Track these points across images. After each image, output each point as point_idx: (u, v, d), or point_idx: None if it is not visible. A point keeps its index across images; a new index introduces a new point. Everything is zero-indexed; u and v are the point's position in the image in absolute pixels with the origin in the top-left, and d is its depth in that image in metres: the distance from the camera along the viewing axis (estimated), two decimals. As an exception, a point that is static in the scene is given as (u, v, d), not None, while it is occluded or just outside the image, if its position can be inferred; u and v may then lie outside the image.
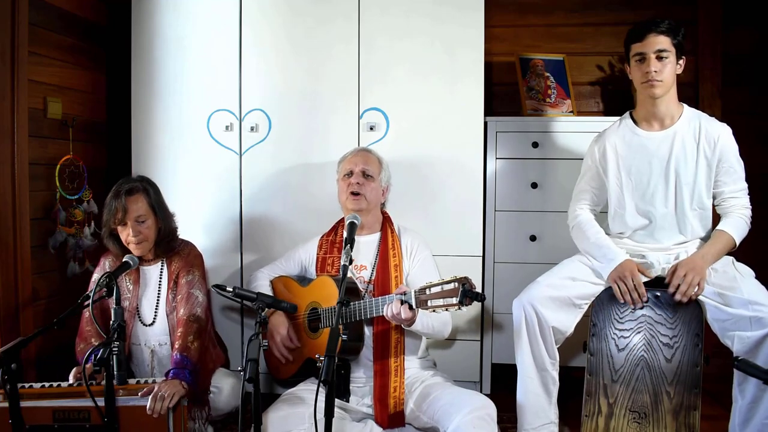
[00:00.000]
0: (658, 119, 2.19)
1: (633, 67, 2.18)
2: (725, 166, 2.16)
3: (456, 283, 1.83)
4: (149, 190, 2.30)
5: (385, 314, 2.00)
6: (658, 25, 2.10)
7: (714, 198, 2.21)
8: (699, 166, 2.15)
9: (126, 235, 2.25)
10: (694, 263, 2.08)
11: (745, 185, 2.20)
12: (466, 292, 1.80)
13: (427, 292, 1.90)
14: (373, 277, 2.27)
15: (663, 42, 2.10)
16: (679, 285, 2.07)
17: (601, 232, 2.25)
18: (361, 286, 2.27)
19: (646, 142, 2.19)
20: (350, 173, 2.33)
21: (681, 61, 2.15)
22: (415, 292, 1.93)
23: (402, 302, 1.94)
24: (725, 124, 2.18)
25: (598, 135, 2.32)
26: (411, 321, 2.00)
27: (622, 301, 2.15)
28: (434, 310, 1.89)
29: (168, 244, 2.34)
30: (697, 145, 2.15)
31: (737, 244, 2.16)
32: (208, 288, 2.38)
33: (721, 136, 2.14)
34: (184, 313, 2.25)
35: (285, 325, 2.26)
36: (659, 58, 2.10)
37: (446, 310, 1.86)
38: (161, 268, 2.36)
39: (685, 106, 2.21)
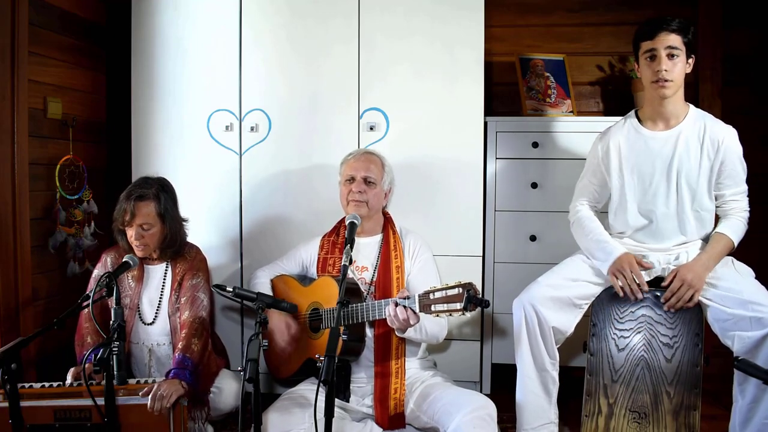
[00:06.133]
0: (664, 119, 2.18)
1: (642, 66, 2.15)
2: (728, 168, 2.15)
3: (460, 289, 1.84)
4: (161, 197, 2.28)
5: (386, 315, 2.00)
6: (669, 23, 2.08)
7: (715, 199, 2.21)
8: (702, 167, 2.14)
9: (130, 236, 2.26)
10: (693, 273, 2.08)
11: (746, 188, 2.21)
12: (471, 298, 1.81)
13: (431, 296, 1.90)
14: (374, 279, 2.27)
15: (674, 40, 2.08)
16: (671, 296, 2.10)
17: (601, 227, 2.25)
18: (362, 288, 2.27)
19: (650, 142, 2.18)
20: (352, 179, 2.31)
21: (690, 60, 2.14)
22: (419, 296, 1.93)
23: (404, 307, 1.94)
24: (731, 127, 2.17)
25: (603, 133, 2.30)
26: (412, 323, 2.00)
27: (621, 295, 2.14)
28: (438, 315, 1.89)
29: (174, 250, 2.34)
30: (701, 146, 2.14)
31: (735, 246, 2.18)
32: (212, 292, 2.38)
33: (725, 138, 2.13)
34: (189, 316, 2.26)
35: (286, 323, 2.24)
36: (670, 56, 2.08)
37: (450, 315, 1.86)
38: (165, 269, 2.36)
39: (691, 106, 2.20)
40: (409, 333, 2.07)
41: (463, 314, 1.84)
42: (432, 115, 2.70)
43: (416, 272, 2.29)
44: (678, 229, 2.20)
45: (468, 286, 1.83)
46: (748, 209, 2.22)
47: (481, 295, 1.84)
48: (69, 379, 2.09)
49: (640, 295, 2.12)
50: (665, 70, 2.08)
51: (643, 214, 2.21)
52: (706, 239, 2.22)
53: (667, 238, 2.21)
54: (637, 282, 2.11)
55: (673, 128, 2.17)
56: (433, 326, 2.15)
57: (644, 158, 2.19)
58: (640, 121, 2.23)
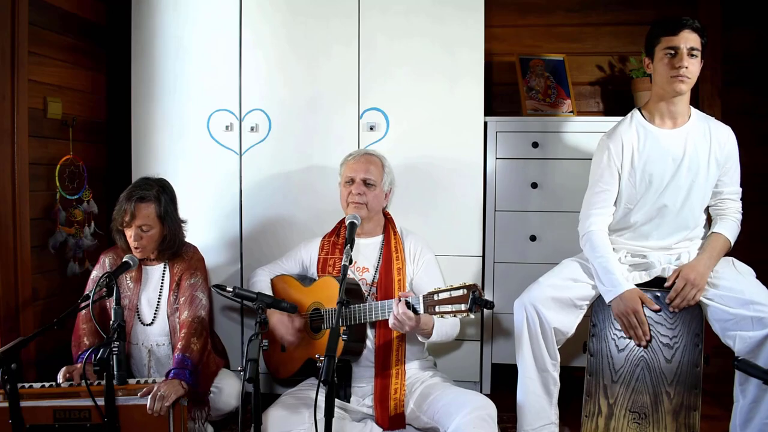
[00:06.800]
0: (673, 117, 2.18)
1: (659, 61, 2.14)
2: (728, 166, 2.17)
3: (465, 290, 1.85)
4: (162, 199, 2.28)
5: (390, 323, 1.99)
6: (693, 22, 2.10)
7: (711, 197, 2.21)
8: (710, 165, 2.15)
9: (129, 237, 2.26)
10: (696, 273, 2.08)
11: (740, 189, 2.23)
12: (476, 300, 1.82)
13: (435, 297, 1.90)
14: (376, 280, 2.27)
15: (695, 40, 2.09)
16: (675, 296, 2.10)
17: (610, 253, 2.18)
18: (364, 288, 2.26)
19: (661, 140, 2.18)
20: (351, 181, 2.31)
21: (701, 64, 2.15)
22: (423, 297, 1.93)
23: (407, 305, 1.94)
24: (728, 126, 2.19)
25: (610, 132, 2.25)
26: (417, 327, 2.00)
27: (627, 336, 2.15)
28: (442, 316, 1.89)
29: (172, 251, 2.34)
30: (709, 146, 2.15)
31: (731, 247, 2.19)
32: (210, 291, 2.38)
33: (729, 137, 2.17)
34: (188, 316, 2.26)
35: (288, 317, 2.22)
36: (690, 55, 2.09)
37: (454, 316, 1.87)
38: (164, 269, 2.36)
39: (692, 107, 2.22)
40: (433, 338, 2.10)
41: (468, 315, 1.84)
42: (432, 115, 2.70)
43: (421, 275, 2.29)
44: (682, 227, 2.20)
45: (473, 288, 1.84)
46: (741, 211, 2.23)
47: (485, 296, 1.85)
48: (60, 379, 2.08)
49: (644, 341, 2.12)
50: (686, 67, 2.08)
51: (651, 211, 2.20)
52: (703, 238, 2.23)
53: (669, 236, 2.21)
54: (642, 330, 2.11)
55: (681, 127, 2.18)
56: (448, 327, 2.16)
57: (656, 156, 2.17)
58: (645, 118, 2.23)
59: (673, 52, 2.10)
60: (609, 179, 2.22)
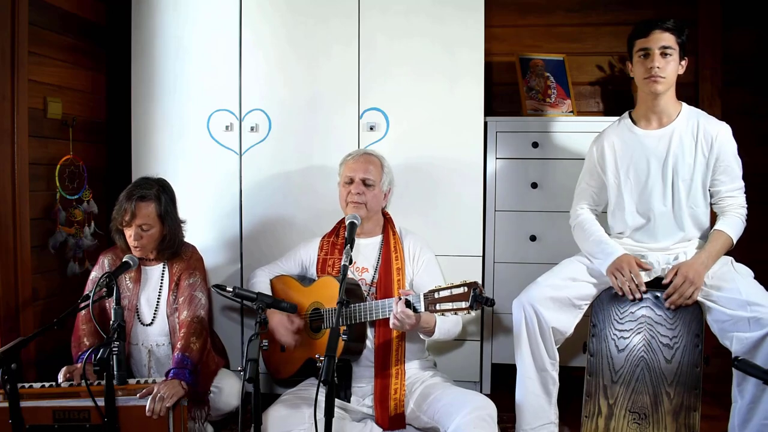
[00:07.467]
0: (657, 117, 2.19)
1: (636, 63, 2.18)
2: (723, 164, 2.16)
3: (466, 288, 1.85)
4: (162, 198, 2.28)
5: (391, 323, 1.99)
6: (663, 22, 2.11)
7: (711, 196, 2.21)
8: (696, 164, 2.15)
9: (128, 236, 2.26)
10: (693, 271, 2.07)
11: (742, 184, 2.21)
12: (477, 297, 1.82)
13: (436, 295, 1.91)
14: (375, 280, 2.27)
15: (668, 39, 2.10)
16: (673, 293, 2.10)
17: (601, 230, 2.26)
18: (363, 288, 2.27)
19: (644, 141, 2.19)
20: (350, 181, 2.31)
21: (683, 62, 2.16)
22: (423, 295, 1.94)
23: (407, 304, 1.94)
24: (724, 123, 2.18)
25: (598, 135, 2.32)
26: (417, 325, 2.00)
27: (620, 294, 2.14)
28: (443, 314, 1.90)
29: (171, 251, 2.34)
30: (695, 143, 2.15)
31: (734, 243, 2.18)
32: (210, 290, 2.38)
33: (719, 134, 2.14)
34: (188, 315, 2.26)
35: (287, 317, 2.22)
36: (663, 55, 2.11)
37: (455, 313, 1.87)
38: (163, 269, 2.36)
39: (684, 104, 2.22)
40: (436, 336, 2.10)
41: (469, 313, 1.85)
42: (432, 115, 2.70)
43: (422, 274, 2.29)
44: (676, 227, 2.20)
45: (474, 285, 1.84)
46: (746, 206, 2.22)
47: (486, 294, 1.85)
48: (60, 379, 2.08)
49: (638, 295, 2.12)
50: (657, 67, 2.10)
51: (640, 213, 2.22)
52: (704, 237, 2.23)
53: (665, 237, 2.21)
54: (636, 282, 2.11)
55: (667, 126, 2.18)
56: (451, 324, 2.16)
57: (639, 157, 2.19)
58: (633, 121, 2.25)
59: (644, 53, 2.13)
60: (589, 179, 2.33)
